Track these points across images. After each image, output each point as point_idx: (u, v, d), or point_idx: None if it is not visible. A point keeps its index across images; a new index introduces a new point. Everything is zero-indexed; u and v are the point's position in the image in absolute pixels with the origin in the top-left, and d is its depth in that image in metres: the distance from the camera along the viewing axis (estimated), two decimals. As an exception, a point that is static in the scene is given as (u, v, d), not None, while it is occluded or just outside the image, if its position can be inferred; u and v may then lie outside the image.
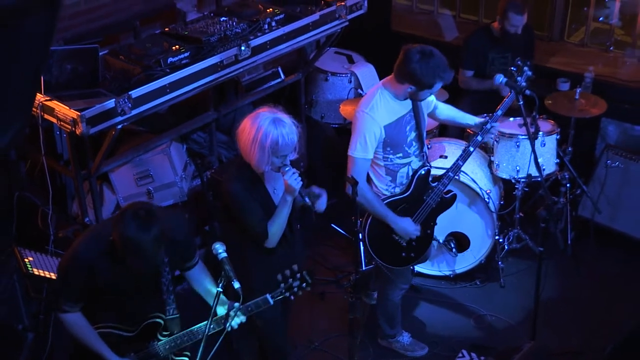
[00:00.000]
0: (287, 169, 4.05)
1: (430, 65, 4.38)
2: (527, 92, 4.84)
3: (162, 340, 4.06)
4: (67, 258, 3.84)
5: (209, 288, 4.14)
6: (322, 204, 4.31)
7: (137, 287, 3.93)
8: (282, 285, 3.92)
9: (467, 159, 4.85)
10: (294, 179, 4.03)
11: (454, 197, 4.96)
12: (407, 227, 4.77)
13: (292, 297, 3.96)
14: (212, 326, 3.86)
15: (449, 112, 5.07)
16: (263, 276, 4.20)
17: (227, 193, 4.14)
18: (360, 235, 4.44)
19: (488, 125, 4.80)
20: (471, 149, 4.81)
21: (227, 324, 3.89)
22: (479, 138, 4.81)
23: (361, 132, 4.55)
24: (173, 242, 3.80)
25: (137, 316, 4.02)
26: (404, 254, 4.92)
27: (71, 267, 3.80)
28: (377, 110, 4.55)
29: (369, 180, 4.77)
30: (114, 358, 3.97)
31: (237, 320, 3.95)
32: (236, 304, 3.80)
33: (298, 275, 3.92)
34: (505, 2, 6.25)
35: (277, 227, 4.17)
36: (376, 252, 4.86)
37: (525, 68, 4.88)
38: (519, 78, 4.86)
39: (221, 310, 3.92)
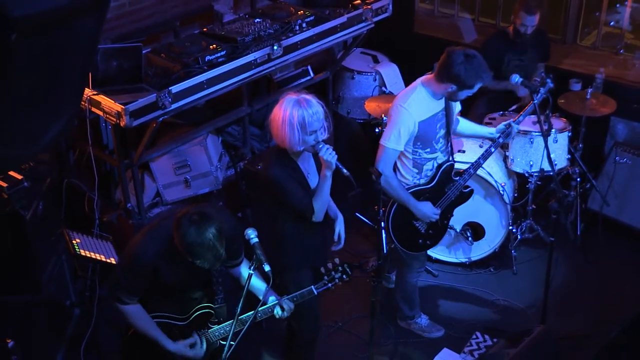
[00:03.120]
0: (320, 145, 4.06)
1: (474, 66, 4.38)
2: (542, 90, 4.82)
3: (212, 328, 4.10)
4: (129, 258, 3.84)
5: (255, 286, 4.08)
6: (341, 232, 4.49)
7: (192, 281, 3.97)
8: (326, 277, 4.00)
9: (487, 158, 4.86)
10: (329, 154, 4.04)
11: (471, 192, 5.00)
12: (427, 211, 4.78)
13: (333, 287, 4.03)
14: (259, 315, 3.93)
15: (468, 125, 5.08)
16: (297, 255, 4.29)
17: (269, 178, 4.15)
18: (382, 223, 4.46)
19: (509, 130, 4.84)
20: (492, 149, 4.83)
21: (276, 312, 4.00)
22: (500, 140, 4.85)
23: (397, 124, 4.55)
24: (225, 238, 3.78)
25: (188, 306, 4.05)
26: (420, 241, 4.94)
27: (133, 267, 3.81)
28: (414, 105, 4.54)
29: (395, 169, 4.78)
30: (169, 344, 4.00)
31: (284, 309, 4.01)
32: (271, 298, 3.87)
33: (340, 268, 4.00)
34: (519, 2, 6.26)
35: (321, 202, 4.20)
36: (397, 237, 4.88)
37: (548, 80, 4.90)
38: (541, 89, 4.87)
39: (270, 300, 4.01)
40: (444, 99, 4.63)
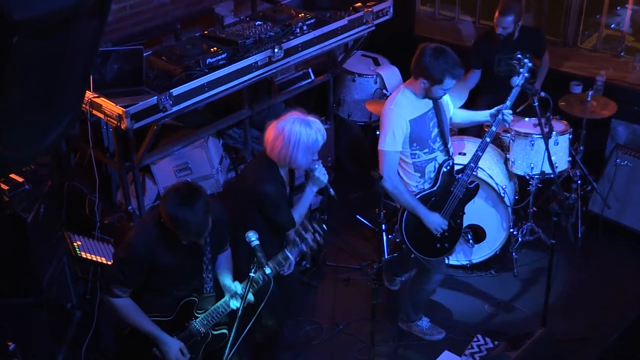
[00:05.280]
0: (316, 164, 4.18)
1: (440, 61, 4.40)
2: (542, 93, 4.82)
3: (198, 317, 4.08)
4: (123, 249, 3.85)
5: (227, 274, 4.17)
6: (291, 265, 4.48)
7: (186, 268, 3.96)
8: (297, 239, 3.98)
9: (485, 149, 4.84)
10: (322, 173, 4.19)
11: (478, 186, 4.98)
12: (435, 220, 4.77)
13: (307, 249, 4.01)
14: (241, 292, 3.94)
15: (463, 114, 5.09)
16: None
17: (262, 194, 4.17)
18: (383, 226, 4.47)
19: (500, 116, 4.79)
20: (487, 139, 4.81)
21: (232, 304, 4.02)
22: (493, 128, 4.82)
23: (389, 127, 4.56)
24: (213, 221, 3.81)
25: (174, 305, 4.04)
26: (438, 245, 4.91)
27: (129, 256, 3.82)
28: (401, 106, 4.57)
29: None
30: (163, 335, 3.98)
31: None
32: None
33: (310, 227, 3.99)
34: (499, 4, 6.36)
35: (300, 214, 4.30)
36: (413, 244, 4.85)
37: (526, 60, 4.86)
38: (521, 70, 4.84)
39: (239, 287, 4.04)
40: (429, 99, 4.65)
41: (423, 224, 4.79)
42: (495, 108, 4.86)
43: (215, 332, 4.16)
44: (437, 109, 4.69)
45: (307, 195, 4.30)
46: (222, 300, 4.06)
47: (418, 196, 4.74)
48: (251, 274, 3.69)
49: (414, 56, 4.52)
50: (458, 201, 4.86)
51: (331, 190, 4.23)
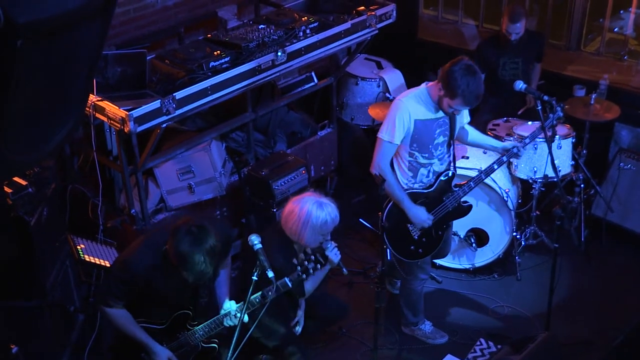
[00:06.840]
0: (328, 244, 4.29)
1: (463, 79, 4.36)
2: (545, 97, 4.82)
3: (191, 329, 4.09)
4: (122, 267, 3.87)
5: (224, 292, 4.21)
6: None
7: (182, 292, 3.98)
8: (299, 268, 4.01)
9: (489, 174, 4.90)
10: (334, 253, 4.28)
11: (470, 207, 5.00)
12: (420, 215, 4.77)
13: (306, 278, 4.09)
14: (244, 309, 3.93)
15: (476, 136, 5.08)
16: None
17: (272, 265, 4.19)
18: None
19: (514, 150, 4.84)
20: (495, 166, 4.85)
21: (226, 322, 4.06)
22: (504, 159, 4.87)
23: (392, 117, 4.58)
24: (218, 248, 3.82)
25: (170, 311, 4.05)
26: (412, 247, 4.92)
27: (125, 276, 3.85)
28: (412, 101, 4.57)
29: (393, 171, 4.77)
30: (153, 345, 4.03)
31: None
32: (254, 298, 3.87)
33: (312, 257, 4.05)
34: (505, 10, 6.39)
35: (312, 286, 4.52)
36: (389, 237, 4.87)
37: (558, 108, 4.89)
38: (550, 115, 4.89)
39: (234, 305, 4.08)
40: None
41: (404, 221, 4.80)
42: (512, 144, 4.89)
43: (205, 345, 4.18)
44: (452, 119, 4.69)
45: (319, 271, 4.37)
46: (216, 316, 4.08)
47: (409, 192, 4.75)
48: (254, 277, 3.68)
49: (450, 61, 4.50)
50: (446, 212, 4.88)
51: (344, 269, 4.35)
